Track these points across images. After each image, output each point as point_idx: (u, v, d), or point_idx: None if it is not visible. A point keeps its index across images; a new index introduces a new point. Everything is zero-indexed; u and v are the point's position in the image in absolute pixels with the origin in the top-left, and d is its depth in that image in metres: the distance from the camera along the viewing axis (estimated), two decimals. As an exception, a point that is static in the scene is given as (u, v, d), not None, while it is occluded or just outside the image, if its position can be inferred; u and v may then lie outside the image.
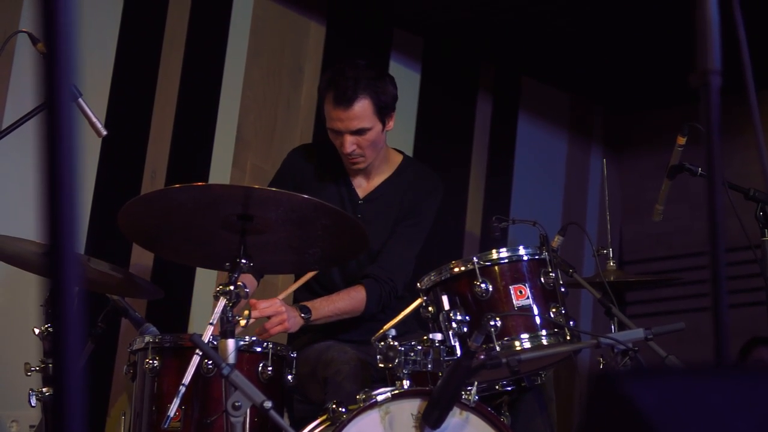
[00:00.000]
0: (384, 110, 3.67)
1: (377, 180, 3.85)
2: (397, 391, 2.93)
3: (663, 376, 1.50)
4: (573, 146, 6.69)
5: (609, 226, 4.20)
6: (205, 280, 4.60)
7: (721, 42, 1.69)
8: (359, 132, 3.64)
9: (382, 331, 3.08)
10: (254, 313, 3.31)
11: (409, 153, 4.91)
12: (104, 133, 3.14)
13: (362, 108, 3.62)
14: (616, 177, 6.79)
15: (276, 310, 3.36)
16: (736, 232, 3.59)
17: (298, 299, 3.71)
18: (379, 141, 3.71)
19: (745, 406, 1.42)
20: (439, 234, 4.27)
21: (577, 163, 6.69)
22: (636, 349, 3.11)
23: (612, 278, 3.90)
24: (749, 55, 1.74)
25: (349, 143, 3.65)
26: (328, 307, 3.60)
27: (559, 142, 6.62)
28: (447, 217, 5.07)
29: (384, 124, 3.70)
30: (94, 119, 3.10)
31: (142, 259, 4.43)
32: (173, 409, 2.73)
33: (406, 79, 5.61)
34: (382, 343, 3.01)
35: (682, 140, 3.91)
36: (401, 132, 5.36)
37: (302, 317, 3.48)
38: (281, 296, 3.54)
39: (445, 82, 5.95)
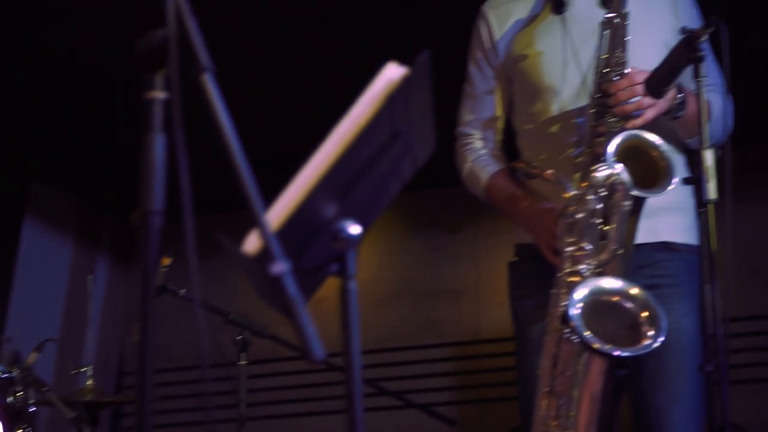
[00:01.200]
0: None
1: None
2: None
3: None
4: (79, 254, 6.62)
5: (91, 342, 4.19)
6: None
7: (165, 183, 1.73)
8: None
9: None
10: None
11: None
12: None
13: None
14: (122, 287, 6.79)
15: None
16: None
17: None
18: None
19: None
20: None
21: (82, 272, 6.62)
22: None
23: (89, 397, 3.87)
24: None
25: None
26: None
27: (64, 250, 6.52)
28: None
29: None
30: None
31: None
32: None
33: None
34: None
35: (167, 261, 3.99)
36: None
37: None
38: None
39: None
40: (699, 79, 2.59)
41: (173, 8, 1.53)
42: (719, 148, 2.63)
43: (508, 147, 3.12)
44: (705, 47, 2.65)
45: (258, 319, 4.15)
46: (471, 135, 3.12)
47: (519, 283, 3.01)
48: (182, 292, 3.97)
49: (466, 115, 3.13)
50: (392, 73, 1.60)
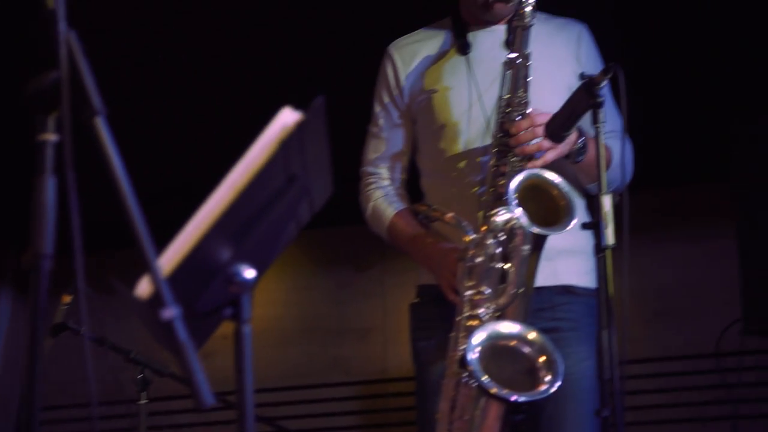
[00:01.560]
0: None
1: None
2: None
3: None
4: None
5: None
6: None
7: (55, 226, 1.70)
8: None
9: None
10: None
11: None
12: None
13: None
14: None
15: None
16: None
17: None
18: None
19: None
20: None
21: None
22: None
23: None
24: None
25: None
26: None
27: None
28: None
29: None
30: None
31: None
32: None
33: None
34: None
35: (67, 298, 3.93)
36: None
37: None
38: None
39: None
40: (597, 125, 2.62)
41: (65, 50, 1.51)
42: (618, 194, 2.66)
43: (412, 188, 3.13)
44: (604, 93, 2.68)
45: (161, 357, 4.10)
46: (375, 174, 3.12)
47: (421, 325, 3.01)
48: (83, 329, 3.90)
49: (371, 154, 3.13)
50: (287, 118, 1.60)
